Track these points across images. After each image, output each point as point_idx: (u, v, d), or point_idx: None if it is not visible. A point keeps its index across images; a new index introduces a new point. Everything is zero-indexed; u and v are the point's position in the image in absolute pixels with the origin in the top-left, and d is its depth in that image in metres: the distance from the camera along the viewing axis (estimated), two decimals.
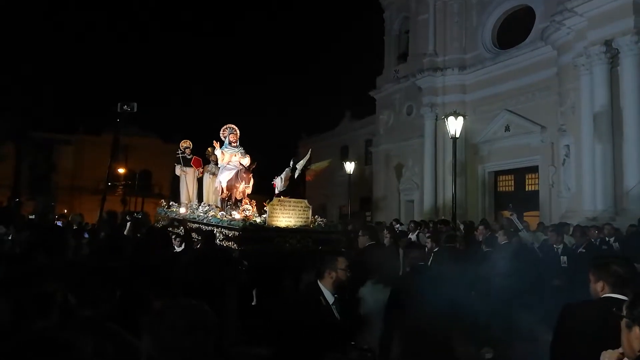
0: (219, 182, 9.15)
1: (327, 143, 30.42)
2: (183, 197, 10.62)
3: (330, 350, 3.13)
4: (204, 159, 10.49)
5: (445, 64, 20.44)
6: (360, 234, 6.64)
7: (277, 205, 7.64)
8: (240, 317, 6.15)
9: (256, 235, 7.25)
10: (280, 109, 60.96)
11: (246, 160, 9.00)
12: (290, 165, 8.45)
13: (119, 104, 8.14)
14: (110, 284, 2.28)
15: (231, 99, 57.51)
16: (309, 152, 9.04)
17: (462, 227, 11.96)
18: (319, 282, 3.57)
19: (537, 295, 6.61)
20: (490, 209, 19.09)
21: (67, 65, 51.52)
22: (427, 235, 11.01)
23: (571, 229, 9.81)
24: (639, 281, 2.89)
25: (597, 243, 8.82)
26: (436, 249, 6.79)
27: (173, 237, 7.78)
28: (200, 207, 9.21)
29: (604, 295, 2.87)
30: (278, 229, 7.40)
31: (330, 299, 3.49)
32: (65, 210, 14.51)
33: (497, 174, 19.62)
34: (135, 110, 8.28)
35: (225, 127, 9.51)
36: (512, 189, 19.00)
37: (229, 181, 8.81)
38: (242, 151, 9.21)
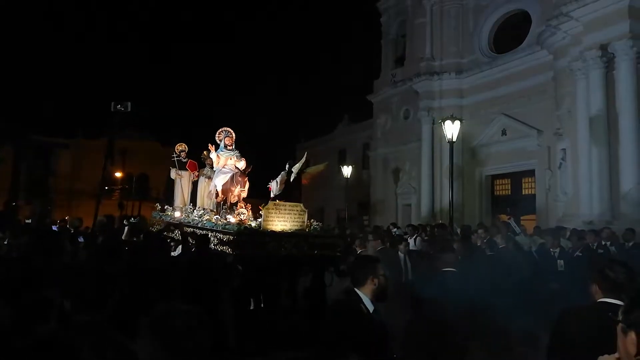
0: (214, 185, 9.10)
1: (325, 147, 30.46)
2: (178, 201, 10.57)
3: None
4: (200, 162, 10.46)
5: (442, 68, 20.51)
6: (371, 237, 6.52)
7: (273, 209, 7.58)
8: (236, 322, 6.14)
9: (251, 239, 7.18)
10: (278, 113, 61.01)
11: (242, 164, 8.96)
12: (286, 169, 8.41)
13: (112, 104, 8.12)
14: (104, 288, 2.28)
15: (229, 102, 57.51)
16: (305, 155, 9.02)
17: (458, 230, 11.98)
18: (357, 289, 3.25)
19: (534, 298, 6.64)
20: (487, 213, 19.12)
21: (66, 69, 51.51)
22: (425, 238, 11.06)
23: (568, 232, 9.85)
24: (635, 286, 2.90)
25: (594, 247, 8.86)
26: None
27: (169, 241, 7.78)
28: (195, 211, 9.17)
29: (599, 300, 2.90)
30: (273, 233, 7.32)
31: (370, 307, 3.21)
32: (67, 217, 14.42)
33: (494, 177, 19.67)
34: (129, 109, 8.24)
35: (220, 130, 9.46)
36: (509, 193, 19.05)
37: (224, 185, 8.77)
38: (238, 154, 9.16)
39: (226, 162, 8.98)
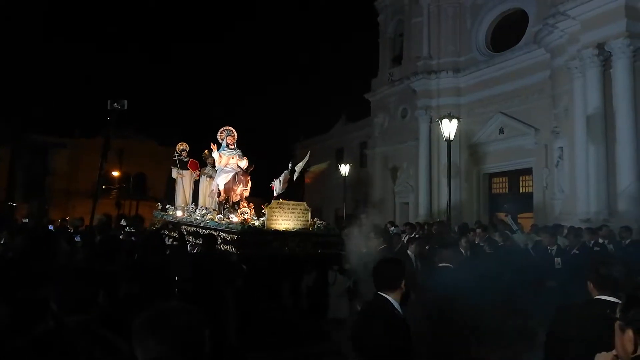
0: (216, 184, 9.11)
1: (323, 146, 30.47)
2: (179, 200, 10.56)
3: None
4: (201, 161, 10.45)
5: (439, 67, 20.51)
6: (372, 236, 6.36)
7: (276, 208, 7.58)
8: (239, 320, 6.14)
9: (255, 238, 7.19)
10: (276, 112, 60.97)
11: (244, 163, 8.96)
12: (289, 168, 8.40)
13: (108, 102, 8.10)
14: (96, 288, 2.27)
15: (227, 101, 57.44)
16: (308, 154, 9.00)
17: (456, 229, 12.00)
18: (386, 294, 3.09)
19: (530, 296, 6.66)
20: (485, 211, 19.15)
21: (62, 68, 51.36)
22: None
23: (565, 230, 9.87)
24: (631, 283, 2.92)
25: (591, 245, 8.88)
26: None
27: (170, 240, 7.78)
28: (197, 210, 9.17)
29: (595, 297, 2.92)
30: (277, 232, 7.33)
31: (400, 313, 3.10)
32: (68, 217, 14.38)
33: (492, 176, 19.69)
34: (125, 107, 8.23)
35: (222, 129, 9.47)
36: (507, 191, 19.08)
37: (226, 184, 8.78)
38: (240, 153, 9.16)
39: (228, 161, 9.00)
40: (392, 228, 13.52)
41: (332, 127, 32.09)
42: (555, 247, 8.24)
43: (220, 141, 9.33)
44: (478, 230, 10.06)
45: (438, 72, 20.39)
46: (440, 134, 15.14)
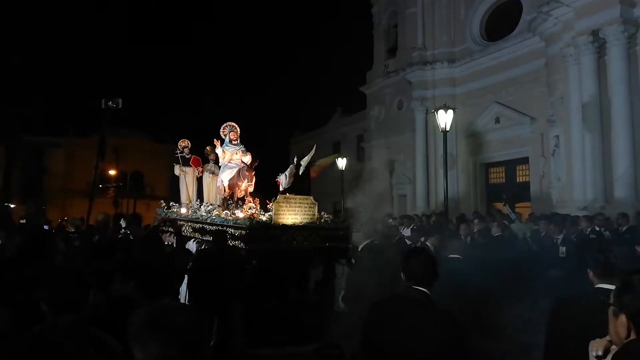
0: (220, 181, 9.08)
1: (319, 139, 30.41)
2: (183, 197, 10.55)
3: None
4: (203, 158, 10.43)
5: (434, 58, 20.47)
6: (356, 230, 6.31)
7: (283, 202, 7.61)
8: (247, 315, 6.15)
9: (263, 233, 7.20)
10: (270, 106, 60.77)
11: (247, 158, 8.95)
12: (295, 162, 8.38)
13: (102, 100, 8.02)
14: (83, 289, 2.26)
15: (221, 97, 57.29)
16: (314, 148, 8.97)
17: (454, 220, 12.03)
18: (427, 289, 2.94)
19: (530, 286, 6.66)
20: (482, 201, 19.20)
21: (56, 67, 51.08)
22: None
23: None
24: (628, 269, 2.93)
25: (588, 232, 8.91)
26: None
27: (170, 235, 7.76)
28: (202, 206, 9.16)
29: (596, 286, 2.94)
30: (285, 226, 7.36)
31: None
32: (67, 217, 14.36)
33: (488, 166, 19.72)
34: (120, 106, 8.14)
35: (225, 125, 9.41)
36: (504, 181, 19.12)
37: (230, 180, 8.75)
38: (243, 149, 9.13)
39: (232, 157, 8.97)
40: (390, 220, 13.56)
41: (329, 121, 32.05)
42: (561, 236, 8.22)
43: (223, 137, 9.29)
44: (475, 221, 10.09)
45: (433, 62, 20.35)
46: (436, 125, 15.15)
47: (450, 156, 15.89)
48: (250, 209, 7.75)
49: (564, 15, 13.84)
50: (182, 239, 7.62)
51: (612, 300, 1.91)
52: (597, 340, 1.95)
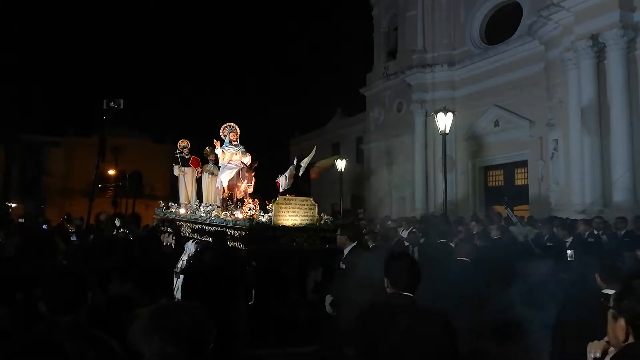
0: (220, 181, 9.08)
1: (319, 141, 30.41)
2: (182, 198, 10.54)
3: None
4: (202, 158, 10.42)
5: (434, 60, 20.52)
6: (338, 232, 5.87)
7: (283, 203, 7.60)
8: (247, 318, 6.13)
9: (263, 234, 7.21)
10: (271, 107, 60.84)
11: (247, 159, 8.94)
12: (295, 163, 8.36)
13: (104, 101, 8.00)
14: (81, 288, 2.26)
15: (221, 97, 57.29)
16: (314, 150, 8.96)
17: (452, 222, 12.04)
18: (414, 295, 3.04)
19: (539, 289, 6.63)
20: (481, 204, 19.22)
21: (55, 66, 51.06)
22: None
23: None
24: (629, 273, 2.95)
25: (585, 236, 8.90)
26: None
27: (168, 235, 7.76)
28: (202, 207, 9.16)
29: (602, 292, 3.01)
30: (284, 227, 7.36)
31: None
32: (64, 217, 14.33)
33: (487, 169, 19.75)
34: (121, 107, 8.13)
35: (225, 125, 9.40)
36: (502, 184, 19.15)
37: (230, 180, 8.75)
38: (243, 149, 9.12)
39: (231, 157, 8.95)
40: (389, 222, 13.58)
41: (328, 122, 32.08)
42: (570, 239, 8.18)
43: (223, 137, 9.27)
44: (472, 224, 10.09)
45: (433, 65, 20.40)
46: (435, 128, 15.17)
47: (450, 159, 15.93)
48: (249, 209, 7.75)
49: (563, 20, 13.88)
50: (181, 240, 7.63)
51: (611, 303, 1.92)
52: (596, 342, 1.96)
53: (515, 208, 15.05)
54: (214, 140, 9.20)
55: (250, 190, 8.78)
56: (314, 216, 7.74)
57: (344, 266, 5.43)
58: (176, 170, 10.65)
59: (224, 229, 7.45)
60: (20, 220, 15.69)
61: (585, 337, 2.14)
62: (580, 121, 13.19)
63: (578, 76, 13.39)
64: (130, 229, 8.57)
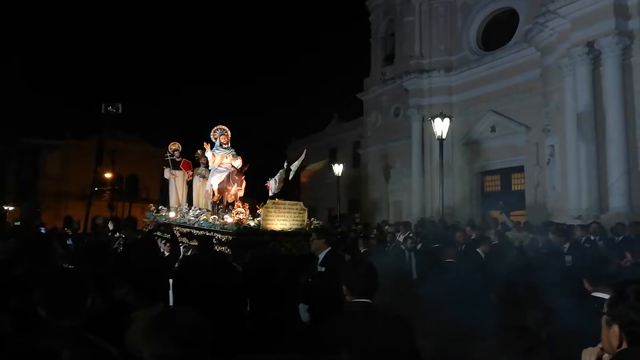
0: (209, 185, 8.99)
1: (316, 145, 30.47)
2: (172, 201, 10.47)
3: None
4: (194, 161, 10.38)
5: (431, 66, 20.61)
6: (315, 237, 5.70)
7: (272, 207, 7.49)
8: (233, 323, 6.10)
9: (251, 239, 7.10)
10: (268, 111, 60.93)
11: (238, 162, 8.84)
12: (285, 167, 8.29)
13: (103, 105, 8.02)
14: (82, 293, 2.26)
15: (218, 101, 57.31)
16: (304, 153, 8.91)
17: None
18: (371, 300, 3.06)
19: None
20: (478, 209, 19.24)
21: (53, 69, 50.98)
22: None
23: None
24: (617, 278, 2.99)
25: (582, 241, 8.92)
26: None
27: (163, 242, 7.71)
28: (190, 211, 9.08)
29: (592, 294, 3.10)
30: (273, 232, 7.24)
31: None
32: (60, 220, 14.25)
33: (484, 174, 19.80)
34: (120, 111, 8.15)
35: (215, 128, 9.34)
36: (499, 189, 19.19)
37: (220, 184, 8.67)
38: (234, 153, 9.03)
39: (222, 160, 8.88)
40: (386, 227, 13.59)
41: (325, 127, 32.13)
42: (567, 245, 8.18)
43: (214, 140, 9.19)
44: (467, 229, 10.10)
45: (430, 71, 20.49)
46: (432, 133, 15.22)
47: (446, 164, 15.98)
48: (238, 213, 7.66)
49: (559, 27, 13.97)
50: (178, 245, 7.57)
51: (605, 309, 1.93)
52: (590, 348, 1.97)
53: (511, 213, 15.10)
54: (204, 143, 9.13)
55: (241, 194, 8.68)
56: (303, 221, 7.64)
57: (322, 270, 5.36)
58: (167, 173, 10.58)
59: (212, 233, 7.36)
60: (15, 222, 15.64)
61: (580, 344, 2.15)
62: (576, 127, 13.25)
63: (574, 83, 13.46)
64: (126, 233, 8.53)
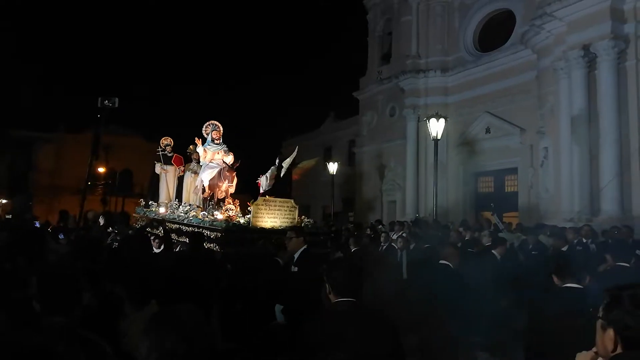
0: (200, 180, 8.91)
1: (311, 143, 30.42)
2: (162, 197, 10.38)
3: None
4: (186, 157, 10.31)
5: (427, 66, 20.62)
6: (293, 235, 5.61)
7: (262, 205, 7.46)
8: (224, 322, 6.06)
9: (240, 236, 7.06)
10: (264, 109, 60.75)
11: (229, 158, 8.77)
12: (276, 164, 8.26)
13: (99, 99, 7.91)
14: (77, 288, 2.24)
15: (214, 98, 57.08)
16: (296, 150, 8.86)
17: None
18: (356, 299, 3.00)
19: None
20: (471, 210, 19.31)
21: (48, 61, 50.60)
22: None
23: (548, 230, 9.95)
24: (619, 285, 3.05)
25: (574, 243, 8.96)
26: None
27: (152, 238, 7.66)
28: (180, 207, 9.01)
29: (563, 286, 3.42)
30: (263, 229, 7.21)
31: None
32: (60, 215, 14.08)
33: (478, 175, 19.85)
34: (116, 105, 8.05)
35: (207, 123, 9.26)
36: (492, 190, 19.25)
37: (211, 180, 8.58)
38: (225, 149, 8.96)
39: (213, 156, 8.81)
40: (380, 226, 13.60)
41: (321, 125, 32.08)
42: (566, 247, 8.21)
43: (206, 136, 9.11)
44: (461, 229, 10.11)
45: (426, 71, 20.50)
46: (427, 133, 15.23)
47: (441, 164, 15.99)
48: (227, 210, 7.61)
49: (556, 29, 14.03)
50: (170, 242, 7.52)
51: (600, 313, 1.93)
52: (584, 352, 1.97)
53: (504, 215, 15.16)
54: (196, 138, 9.05)
55: (232, 190, 8.61)
56: (294, 218, 7.62)
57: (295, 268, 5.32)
58: (158, 168, 10.50)
59: (201, 229, 7.30)
60: (7, 216, 15.50)
61: (573, 347, 2.16)
62: (570, 130, 13.31)
63: (569, 85, 13.52)
64: (119, 229, 8.47)
